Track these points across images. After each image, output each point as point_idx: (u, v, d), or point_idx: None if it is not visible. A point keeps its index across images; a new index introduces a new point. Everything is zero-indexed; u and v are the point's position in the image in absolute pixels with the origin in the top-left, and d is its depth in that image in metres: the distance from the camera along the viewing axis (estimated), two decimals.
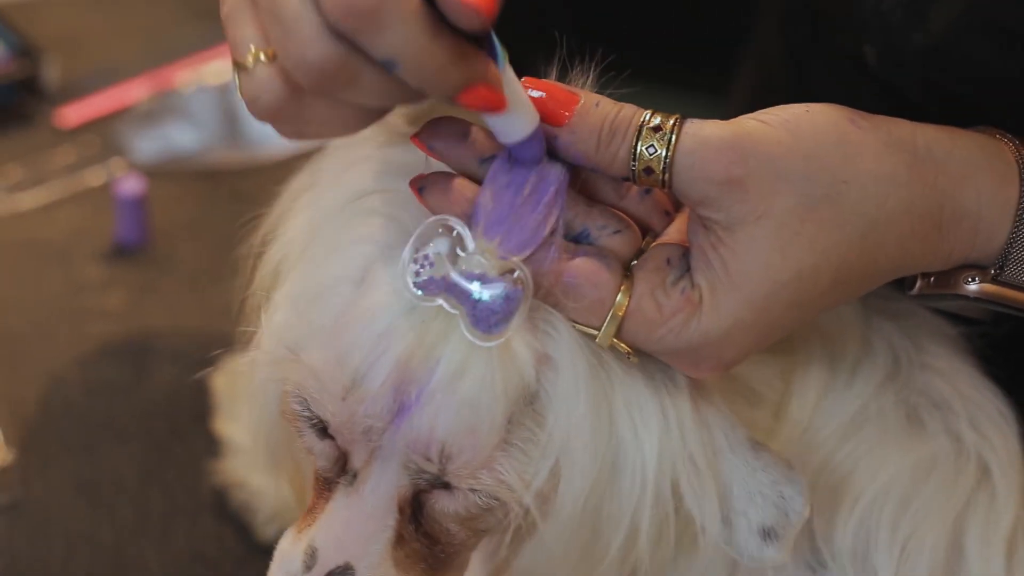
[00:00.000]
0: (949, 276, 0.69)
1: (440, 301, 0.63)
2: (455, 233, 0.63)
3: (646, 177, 0.63)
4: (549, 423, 0.65)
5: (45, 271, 1.15)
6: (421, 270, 0.63)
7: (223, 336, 1.01)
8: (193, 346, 1.07)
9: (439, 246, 0.63)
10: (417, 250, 0.63)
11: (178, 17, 1.42)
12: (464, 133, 0.65)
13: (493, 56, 0.60)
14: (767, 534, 0.67)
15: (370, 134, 0.74)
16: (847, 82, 0.86)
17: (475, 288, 0.62)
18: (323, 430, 0.68)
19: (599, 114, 0.63)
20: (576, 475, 0.65)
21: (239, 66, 0.61)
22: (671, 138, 0.62)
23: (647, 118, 0.63)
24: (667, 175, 0.62)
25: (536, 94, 0.63)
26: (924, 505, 0.73)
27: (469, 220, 0.64)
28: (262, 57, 0.60)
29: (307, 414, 0.68)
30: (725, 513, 0.68)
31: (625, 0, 1.15)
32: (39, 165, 1.25)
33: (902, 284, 0.72)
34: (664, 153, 0.62)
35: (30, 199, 1.22)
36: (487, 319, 0.62)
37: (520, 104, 0.62)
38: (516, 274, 0.63)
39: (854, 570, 0.72)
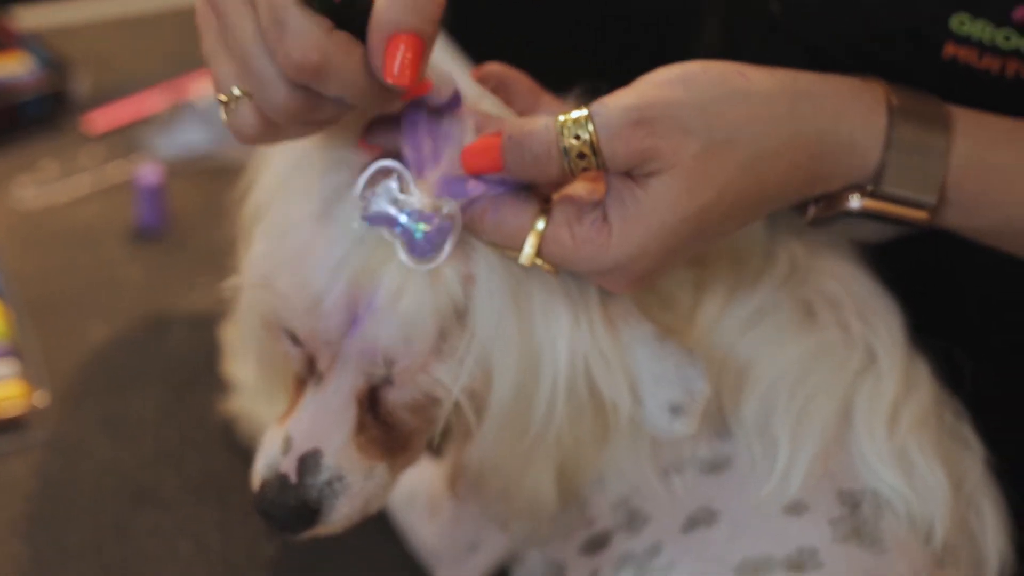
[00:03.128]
0: (834, 198, 0.78)
1: (383, 232, 0.73)
2: (396, 175, 0.73)
3: (581, 162, 0.71)
4: (474, 330, 0.75)
5: (77, 251, 1.28)
6: (368, 205, 0.73)
7: (230, 305, 1.14)
8: (203, 312, 1.20)
9: (383, 185, 0.73)
10: (365, 187, 0.73)
11: (190, 38, 1.54)
12: (394, 121, 0.76)
13: None
14: (675, 410, 0.78)
15: None
16: (771, 49, 0.96)
17: (411, 221, 0.72)
18: (294, 339, 0.79)
19: (518, 146, 0.72)
20: (503, 374, 0.76)
21: (223, 101, 0.71)
22: (589, 126, 0.71)
23: (561, 120, 0.72)
24: (599, 157, 0.71)
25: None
26: (816, 383, 0.82)
27: (406, 164, 0.74)
28: (240, 94, 0.69)
29: (281, 326, 0.79)
30: (636, 395, 0.78)
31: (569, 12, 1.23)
32: (70, 165, 1.38)
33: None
34: (588, 138, 0.71)
35: (62, 194, 1.34)
36: (421, 247, 0.72)
37: (440, 76, 0.72)
38: (446, 210, 0.73)
39: (758, 437, 0.82)
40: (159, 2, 1.63)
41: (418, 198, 0.73)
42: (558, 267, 0.75)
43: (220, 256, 1.21)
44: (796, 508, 0.80)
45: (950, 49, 0.82)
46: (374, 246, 0.74)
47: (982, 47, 0.80)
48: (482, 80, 0.82)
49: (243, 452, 1.07)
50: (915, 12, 0.82)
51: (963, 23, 0.80)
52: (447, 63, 0.74)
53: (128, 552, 1.00)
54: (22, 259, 1.26)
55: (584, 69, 0.86)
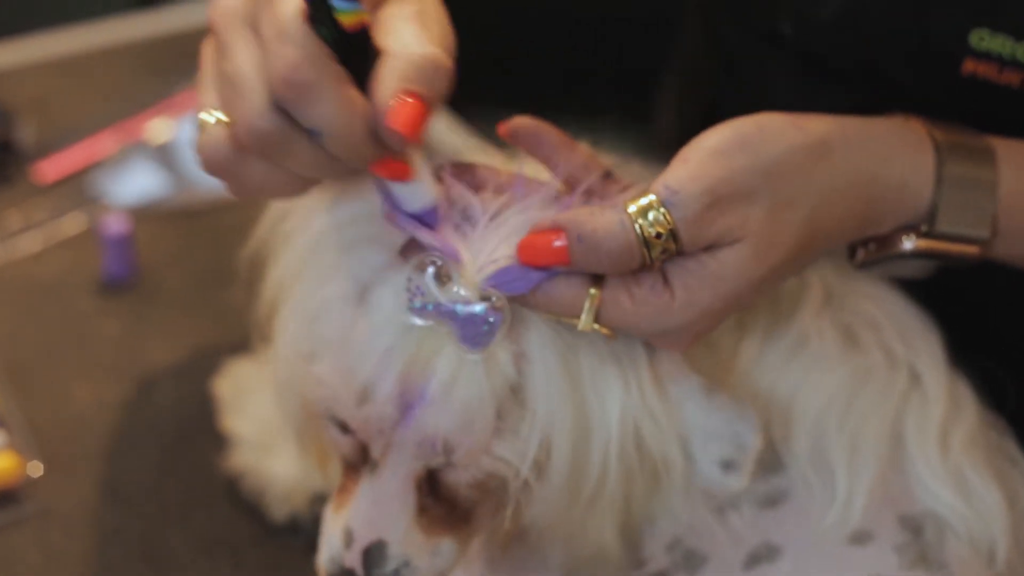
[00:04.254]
0: (885, 240, 0.78)
1: (432, 323, 0.72)
2: (440, 264, 0.71)
3: (662, 255, 0.70)
4: (532, 408, 0.74)
5: (43, 307, 1.23)
6: (415, 298, 0.71)
7: (213, 352, 1.11)
8: (186, 363, 1.17)
9: (428, 277, 0.71)
10: (410, 280, 0.71)
11: (136, 75, 1.51)
12: None
13: None
14: (727, 466, 0.77)
15: None
16: (770, 63, 0.97)
17: (461, 312, 0.71)
18: (344, 426, 0.77)
19: (592, 247, 0.69)
20: (561, 444, 0.75)
21: (200, 125, 0.70)
22: (661, 212, 0.69)
23: (632, 211, 0.69)
24: (679, 244, 0.69)
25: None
26: (865, 407, 0.82)
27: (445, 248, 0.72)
28: (218, 119, 0.69)
29: (329, 414, 0.77)
30: (688, 452, 0.77)
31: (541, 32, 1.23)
32: (25, 217, 1.33)
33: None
34: (665, 229, 0.69)
35: (20, 248, 1.29)
36: (473, 337, 0.71)
37: (422, 175, 0.71)
38: (494, 299, 0.71)
39: (813, 467, 0.81)
40: (97, 39, 1.58)
41: (465, 287, 0.71)
42: (616, 330, 0.73)
43: (195, 303, 1.20)
44: (860, 537, 0.80)
45: (969, 65, 0.82)
46: (422, 335, 0.72)
47: (1002, 62, 0.81)
48: (511, 135, 0.79)
49: (249, 507, 1.05)
50: (934, 30, 0.83)
51: (983, 39, 0.81)
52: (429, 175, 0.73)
53: None
54: None
55: (559, 77, 0.85)
